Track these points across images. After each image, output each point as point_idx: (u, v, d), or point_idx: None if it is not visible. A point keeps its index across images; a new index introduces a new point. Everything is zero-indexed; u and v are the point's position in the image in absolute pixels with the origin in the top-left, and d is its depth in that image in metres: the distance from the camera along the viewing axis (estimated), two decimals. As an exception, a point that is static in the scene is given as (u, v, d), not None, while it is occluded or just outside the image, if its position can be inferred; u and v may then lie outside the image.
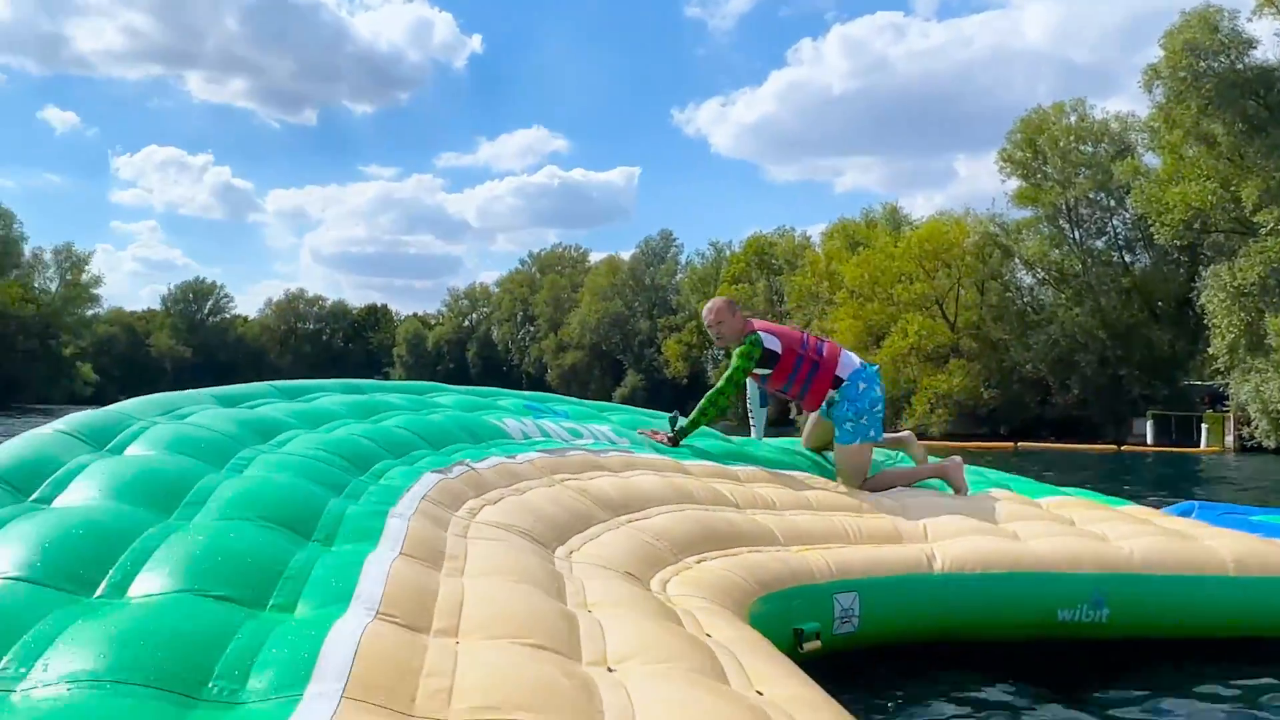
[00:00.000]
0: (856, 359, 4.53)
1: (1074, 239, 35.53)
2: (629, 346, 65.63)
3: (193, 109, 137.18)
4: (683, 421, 4.33)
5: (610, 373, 66.51)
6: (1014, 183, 35.68)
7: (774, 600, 3.03)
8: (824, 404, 4.47)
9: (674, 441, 4.24)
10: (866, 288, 38.55)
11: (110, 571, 1.56)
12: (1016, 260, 36.85)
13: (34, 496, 1.87)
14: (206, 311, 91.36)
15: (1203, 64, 28.03)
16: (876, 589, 3.37)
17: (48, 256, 60.62)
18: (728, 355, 4.43)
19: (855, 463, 4.35)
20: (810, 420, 4.75)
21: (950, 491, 4.41)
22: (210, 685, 1.22)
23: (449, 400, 4.11)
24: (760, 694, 1.63)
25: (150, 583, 1.53)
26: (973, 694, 3.19)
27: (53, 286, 59.87)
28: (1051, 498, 4.55)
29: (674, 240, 68.78)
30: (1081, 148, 34.59)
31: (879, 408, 4.43)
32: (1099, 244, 35.91)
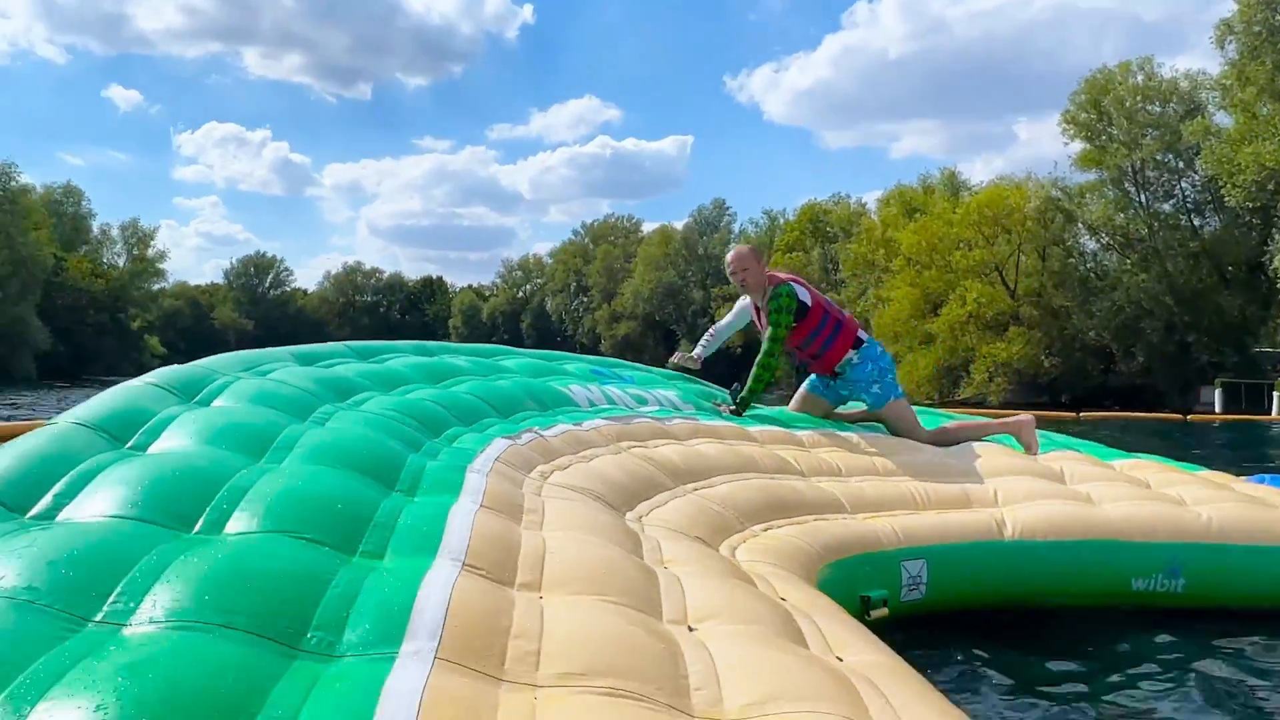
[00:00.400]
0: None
1: (1140, 202, 34.51)
2: (682, 316, 65.49)
3: (250, 85, 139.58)
4: (743, 393, 4.32)
5: (664, 343, 66.41)
6: (1077, 145, 34.74)
7: (841, 567, 3.02)
8: (837, 367, 4.44)
9: (738, 412, 4.23)
10: (924, 255, 37.91)
11: (207, 510, 1.62)
12: (1080, 225, 35.94)
13: (130, 444, 1.95)
14: (267, 285, 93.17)
15: (1279, 18, 26.91)
16: (945, 556, 3.34)
17: (115, 232, 62.36)
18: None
19: (904, 415, 4.37)
20: (798, 396, 4.71)
21: (1021, 450, 4.33)
22: (309, 636, 1.26)
23: (515, 364, 4.13)
24: (840, 660, 1.62)
25: (245, 522, 1.58)
26: (1040, 658, 3.15)
27: (120, 262, 61.46)
28: (1124, 460, 4.43)
29: (727, 209, 68.32)
30: (1149, 108, 33.48)
31: (893, 373, 4.50)
32: (1166, 207, 34.83)
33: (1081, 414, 28.12)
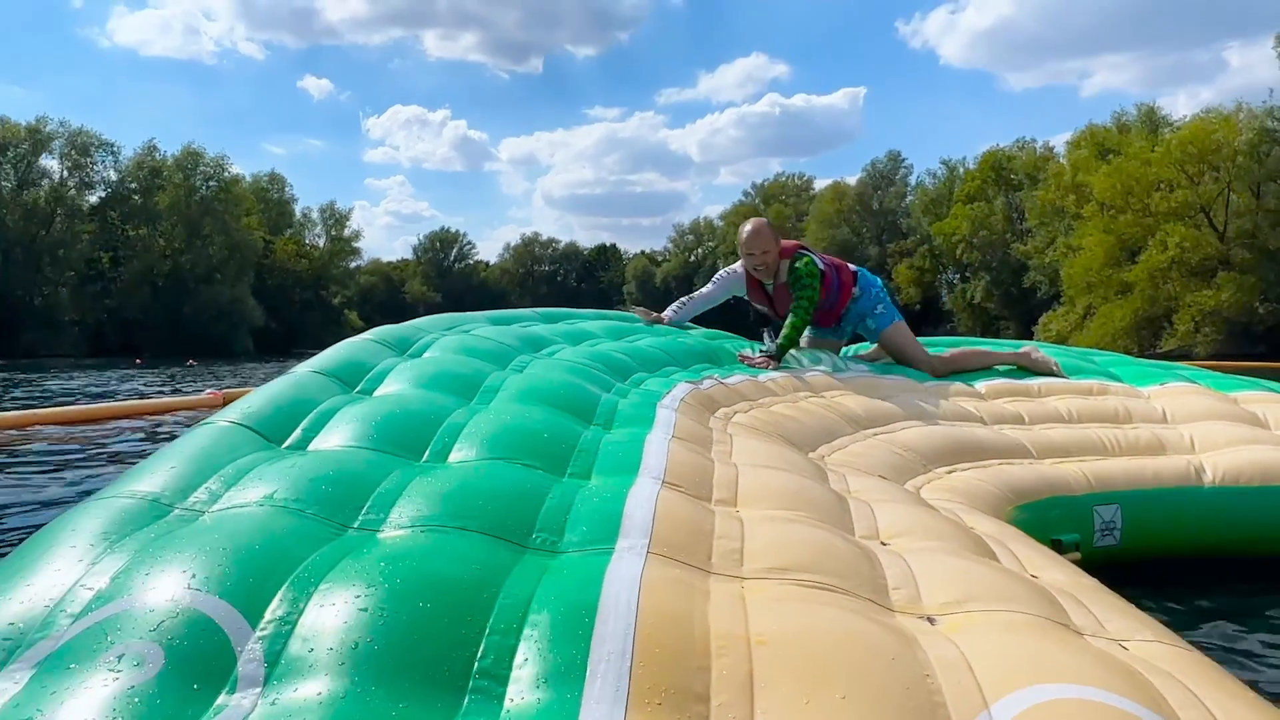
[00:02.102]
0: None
1: (1375, 128, 31.08)
2: (858, 274, 63.99)
3: (429, 67, 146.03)
4: (771, 347, 4.18)
5: (839, 302, 65.22)
6: (1298, 69, 31.58)
7: (1030, 510, 3.00)
8: (841, 315, 4.33)
9: (775, 360, 4.10)
10: (1119, 199, 35.48)
11: (431, 442, 1.85)
12: (1301, 158, 32.70)
13: (357, 389, 2.24)
14: (452, 258, 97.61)
15: None
16: (1140, 501, 3.26)
17: (315, 215, 67.04)
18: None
19: (907, 338, 4.21)
20: (805, 343, 4.41)
21: (1213, 390, 4.08)
22: (534, 536, 1.44)
23: (693, 332, 4.30)
24: (1035, 577, 1.66)
25: (466, 451, 1.80)
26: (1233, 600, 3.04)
27: (320, 242, 66.03)
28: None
29: (902, 161, 66.11)
30: (1385, 21, 29.99)
31: (887, 297, 4.35)
32: (1407, 132, 31.23)
33: (1303, 365, 25.77)
